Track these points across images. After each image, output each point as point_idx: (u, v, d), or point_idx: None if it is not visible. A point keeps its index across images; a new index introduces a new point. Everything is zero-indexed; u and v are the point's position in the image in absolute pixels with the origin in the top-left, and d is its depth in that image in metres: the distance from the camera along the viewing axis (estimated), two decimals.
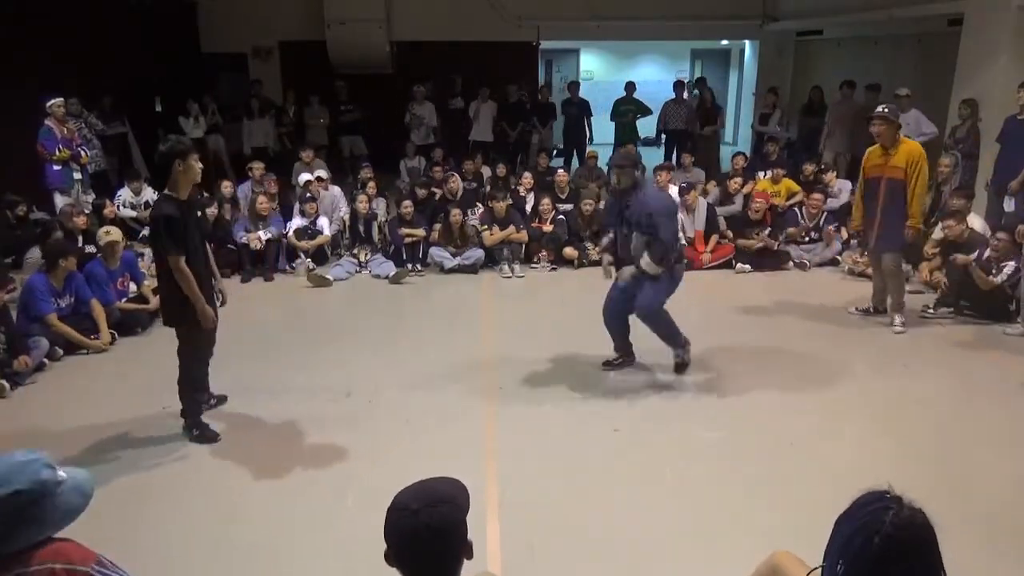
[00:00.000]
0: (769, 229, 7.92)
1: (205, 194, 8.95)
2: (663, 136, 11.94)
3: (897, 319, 6.02)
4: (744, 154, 10.00)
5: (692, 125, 11.73)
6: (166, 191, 4.04)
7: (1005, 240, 6.08)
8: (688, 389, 4.97)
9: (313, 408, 4.69)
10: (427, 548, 1.51)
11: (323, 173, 9.03)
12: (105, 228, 6.42)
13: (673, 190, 8.48)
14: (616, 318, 5.24)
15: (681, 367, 5.22)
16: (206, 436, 4.31)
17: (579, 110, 11.90)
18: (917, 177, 5.67)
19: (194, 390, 4.39)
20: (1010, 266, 5.98)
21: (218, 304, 4.40)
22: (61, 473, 1.77)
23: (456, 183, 8.69)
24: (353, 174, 9.41)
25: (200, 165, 4.14)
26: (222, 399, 4.76)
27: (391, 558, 1.56)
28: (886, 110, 5.84)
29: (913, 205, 5.74)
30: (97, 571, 1.74)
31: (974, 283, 6.12)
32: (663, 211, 4.84)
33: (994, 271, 6.05)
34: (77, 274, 5.83)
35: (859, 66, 10.93)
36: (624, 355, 5.37)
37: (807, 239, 8.00)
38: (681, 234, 7.99)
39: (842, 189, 8.61)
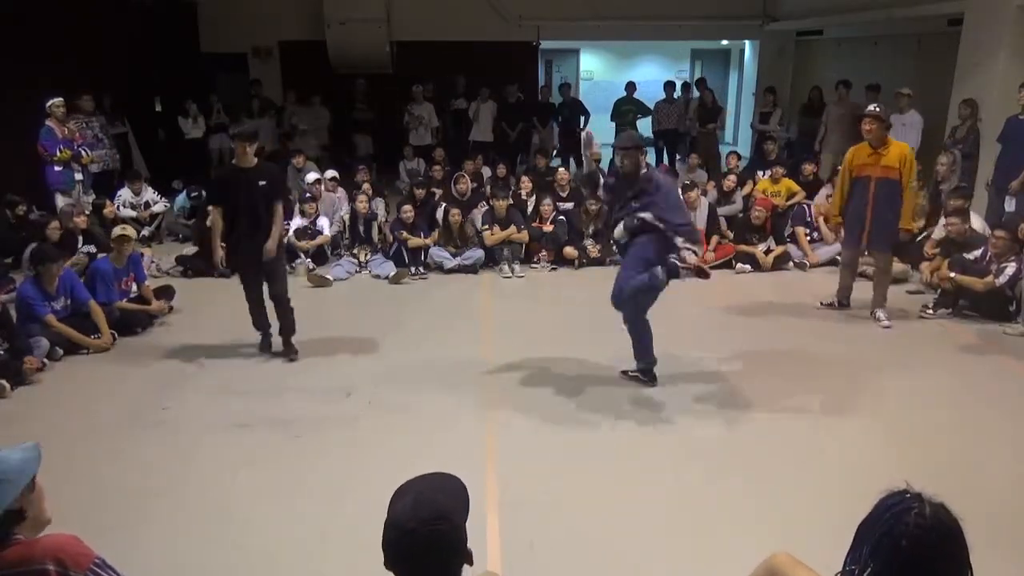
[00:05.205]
0: (771, 238, 7.92)
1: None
2: (654, 136, 11.98)
3: (882, 315, 6.10)
4: (737, 153, 9.99)
5: (682, 124, 11.75)
6: (234, 161, 5.45)
7: (1004, 237, 6.05)
8: (688, 389, 4.96)
9: (313, 408, 4.70)
10: (425, 564, 1.52)
11: (319, 175, 9.04)
12: (120, 225, 6.47)
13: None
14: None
15: (629, 374, 5.05)
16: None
17: (571, 112, 11.88)
18: (910, 177, 5.74)
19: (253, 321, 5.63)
20: (1012, 267, 5.96)
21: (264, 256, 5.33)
22: None
23: (465, 184, 8.70)
24: (377, 173, 9.43)
25: (253, 150, 5.32)
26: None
27: (389, 565, 1.56)
28: (878, 108, 5.88)
29: (907, 206, 5.80)
30: (93, 574, 1.73)
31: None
32: (669, 186, 4.94)
33: (995, 270, 6.04)
34: (71, 275, 5.80)
35: (859, 66, 10.93)
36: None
37: (809, 238, 8.00)
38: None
39: None
